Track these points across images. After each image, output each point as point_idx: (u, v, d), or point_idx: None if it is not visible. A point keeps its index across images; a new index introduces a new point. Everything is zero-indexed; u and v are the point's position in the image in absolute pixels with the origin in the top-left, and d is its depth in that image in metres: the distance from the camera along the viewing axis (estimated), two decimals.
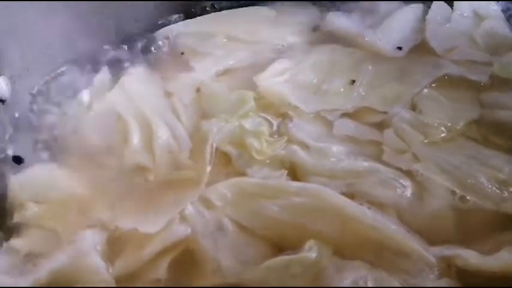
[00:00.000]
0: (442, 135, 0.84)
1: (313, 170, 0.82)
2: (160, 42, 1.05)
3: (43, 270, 0.73)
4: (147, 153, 0.87)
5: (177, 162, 0.86)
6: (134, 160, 0.86)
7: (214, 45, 1.02)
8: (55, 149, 0.90)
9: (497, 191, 0.78)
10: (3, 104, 0.91)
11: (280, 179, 0.82)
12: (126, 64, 1.01)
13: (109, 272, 0.73)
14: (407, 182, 0.80)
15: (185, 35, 1.05)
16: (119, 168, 0.86)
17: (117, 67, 1.01)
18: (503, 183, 0.78)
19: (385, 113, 0.88)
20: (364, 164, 0.82)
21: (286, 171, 0.83)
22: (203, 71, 0.98)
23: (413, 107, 0.89)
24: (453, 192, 0.78)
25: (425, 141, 0.84)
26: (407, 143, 0.84)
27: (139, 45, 1.05)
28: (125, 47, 1.04)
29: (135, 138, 0.89)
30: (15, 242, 0.78)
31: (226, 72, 0.99)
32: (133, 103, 0.93)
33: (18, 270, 0.74)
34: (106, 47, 1.03)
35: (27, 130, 0.92)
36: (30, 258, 0.76)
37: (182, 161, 0.86)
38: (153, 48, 1.04)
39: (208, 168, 0.84)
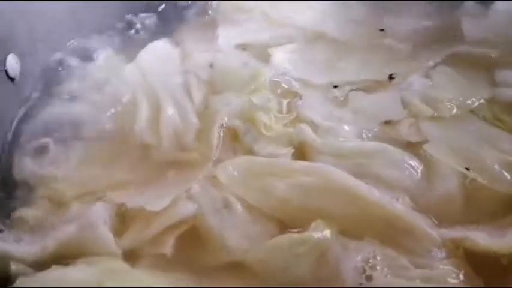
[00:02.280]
0: (453, 111, 0.84)
1: (321, 149, 0.81)
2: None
3: (51, 240, 0.73)
4: (153, 133, 0.87)
5: (182, 143, 0.86)
6: (140, 139, 0.86)
7: (247, 19, 1.03)
8: (64, 128, 0.90)
9: (507, 174, 0.77)
10: (12, 82, 0.90)
11: (287, 156, 0.81)
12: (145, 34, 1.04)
13: (117, 244, 0.73)
14: (416, 163, 0.79)
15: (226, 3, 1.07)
16: (125, 145, 0.86)
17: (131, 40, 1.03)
18: None
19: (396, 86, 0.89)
20: (373, 144, 0.82)
21: (293, 150, 0.83)
22: (226, 39, 0.99)
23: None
24: (462, 174, 0.77)
25: (435, 114, 0.84)
26: (416, 116, 0.84)
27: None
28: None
29: (143, 117, 0.89)
30: (24, 212, 0.78)
31: (247, 46, 0.99)
32: (146, 80, 0.93)
33: (26, 239, 0.75)
34: (118, 24, 1.04)
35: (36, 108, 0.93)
36: (39, 228, 0.76)
37: (187, 142, 0.86)
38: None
39: (215, 151, 0.83)
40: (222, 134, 0.85)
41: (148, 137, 0.87)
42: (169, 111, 0.89)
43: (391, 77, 0.91)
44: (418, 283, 0.66)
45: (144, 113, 0.89)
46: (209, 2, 1.09)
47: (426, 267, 0.68)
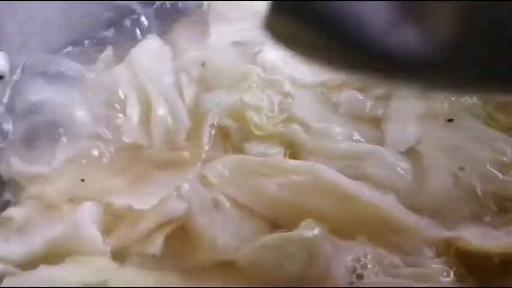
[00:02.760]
0: (445, 108, 0.83)
1: (312, 150, 0.80)
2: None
3: (39, 240, 0.73)
4: (144, 131, 0.87)
5: (173, 142, 0.86)
6: (131, 137, 0.86)
7: (239, 17, 1.02)
8: (53, 127, 0.89)
9: (500, 174, 0.76)
10: (1, 79, 0.90)
11: (277, 156, 0.81)
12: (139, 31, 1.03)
13: (105, 244, 0.73)
14: (408, 164, 0.78)
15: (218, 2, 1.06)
16: (115, 145, 0.86)
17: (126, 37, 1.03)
18: (506, 167, 0.77)
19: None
20: (365, 145, 0.81)
21: (284, 150, 0.82)
22: (218, 37, 0.99)
23: None
24: (455, 174, 0.77)
25: (428, 113, 0.83)
26: (408, 114, 0.83)
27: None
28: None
29: (134, 116, 0.88)
30: (13, 211, 0.77)
31: (239, 44, 0.98)
32: (137, 78, 0.92)
33: (14, 239, 0.74)
34: (110, 23, 1.04)
35: (25, 107, 0.92)
36: (27, 227, 0.75)
37: (178, 142, 0.85)
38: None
39: (205, 150, 0.83)
40: (213, 133, 0.85)
41: (139, 137, 0.86)
42: (161, 110, 0.88)
43: None
44: (409, 282, 0.66)
45: (134, 112, 0.89)
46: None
47: (418, 266, 0.68)
